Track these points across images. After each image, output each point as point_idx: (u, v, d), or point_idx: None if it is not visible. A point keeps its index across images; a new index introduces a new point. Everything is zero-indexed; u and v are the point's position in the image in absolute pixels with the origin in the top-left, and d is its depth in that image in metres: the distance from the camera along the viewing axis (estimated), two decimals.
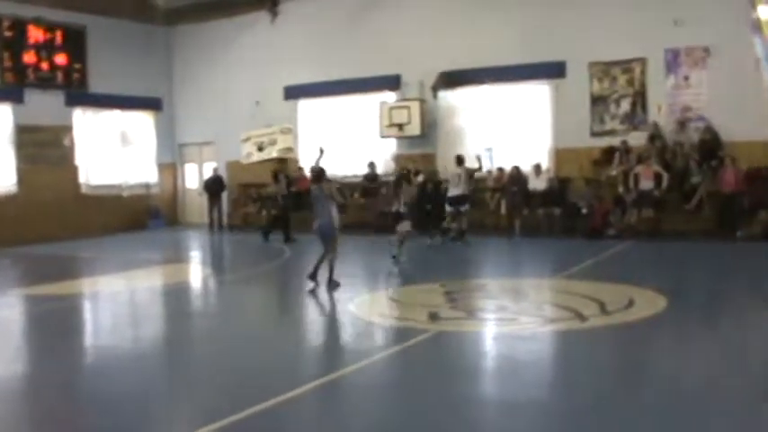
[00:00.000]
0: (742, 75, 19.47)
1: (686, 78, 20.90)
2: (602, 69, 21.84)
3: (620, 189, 20.54)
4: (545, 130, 22.63)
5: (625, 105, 21.74)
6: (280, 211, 22.34)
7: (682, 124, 20.73)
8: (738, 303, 11.77)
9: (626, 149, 20.99)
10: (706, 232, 19.14)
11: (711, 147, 20.02)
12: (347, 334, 10.58)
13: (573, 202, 21.17)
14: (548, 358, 8.97)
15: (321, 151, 14.05)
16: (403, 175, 17.49)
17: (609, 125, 21.87)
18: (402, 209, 16.38)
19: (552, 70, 22.27)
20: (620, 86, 21.75)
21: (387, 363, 8.60)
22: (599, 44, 21.49)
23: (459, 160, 19.98)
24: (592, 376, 7.88)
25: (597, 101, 21.96)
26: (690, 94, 20.85)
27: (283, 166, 23.76)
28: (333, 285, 13.14)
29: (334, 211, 13.26)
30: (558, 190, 21.67)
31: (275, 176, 22.56)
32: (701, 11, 19.99)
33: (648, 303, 11.15)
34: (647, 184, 20.04)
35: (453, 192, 19.68)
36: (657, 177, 19.99)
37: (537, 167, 21.94)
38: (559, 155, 22.35)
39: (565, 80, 22.28)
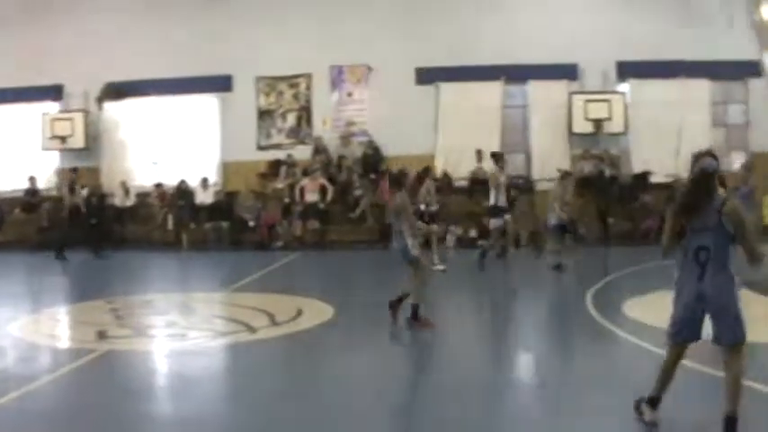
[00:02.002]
0: (400, 92, 20.56)
1: (350, 94, 21.68)
2: (269, 84, 22.05)
3: (287, 201, 20.77)
4: (213, 143, 22.37)
5: (291, 120, 22.10)
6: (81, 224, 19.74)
7: (346, 139, 21.43)
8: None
9: (292, 163, 21.32)
10: (369, 242, 19.87)
11: (373, 160, 20.88)
12: (9, 358, 9.64)
13: (240, 216, 21.12)
14: (219, 372, 8.76)
15: None
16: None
17: (275, 139, 22.12)
18: None
19: (219, 84, 22.09)
20: (286, 101, 22.07)
21: (54, 386, 7.93)
22: (266, 59, 21.66)
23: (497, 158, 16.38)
24: (263, 387, 7.79)
25: (264, 115, 22.14)
26: (353, 110, 21.66)
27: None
28: None
29: None
30: (226, 203, 21.54)
31: (71, 187, 19.88)
32: (364, 30, 20.83)
33: (316, 313, 11.28)
34: (312, 196, 20.50)
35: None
36: (323, 190, 20.51)
37: (204, 181, 21.66)
38: (227, 168, 22.21)
39: (232, 94, 22.20)
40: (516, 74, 21.24)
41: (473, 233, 19.60)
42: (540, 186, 20.20)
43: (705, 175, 5.53)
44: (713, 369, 6.44)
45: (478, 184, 20.18)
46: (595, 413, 6.63)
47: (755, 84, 21.64)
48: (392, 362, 8.77)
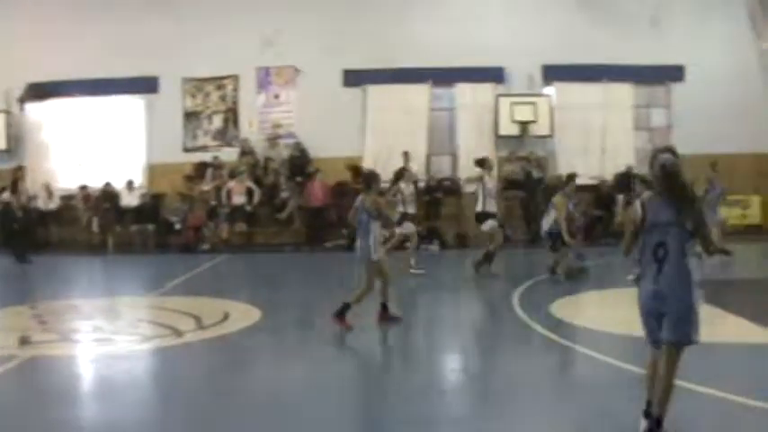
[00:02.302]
0: (328, 95, 20.57)
1: (277, 96, 21.60)
2: (196, 85, 21.84)
3: (213, 204, 20.59)
4: (138, 145, 22.03)
5: (218, 121, 21.92)
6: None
7: (272, 141, 21.33)
8: (329, 308, 12.15)
9: (218, 165, 21.14)
10: (297, 244, 19.81)
11: (300, 163, 20.83)
12: None
13: (166, 218, 20.86)
14: (145, 376, 8.62)
15: None
16: None
17: (202, 141, 21.93)
18: None
19: (145, 85, 21.78)
20: (212, 103, 21.89)
21: None
22: (192, 60, 21.42)
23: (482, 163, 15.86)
24: (190, 391, 7.71)
25: (190, 116, 21.93)
26: (280, 112, 21.57)
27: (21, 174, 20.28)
28: None
29: None
30: (152, 206, 21.22)
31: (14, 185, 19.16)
32: (292, 32, 20.77)
33: (244, 315, 11.19)
34: (239, 198, 20.35)
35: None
36: (249, 192, 20.39)
37: (130, 183, 21.34)
38: (153, 170, 21.89)
39: (158, 95, 21.90)
40: (443, 77, 21.41)
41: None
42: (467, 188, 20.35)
43: (666, 170, 5.55)
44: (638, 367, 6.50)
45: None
46: (523, 414, 6.74)
47: (677, 88, 22.21)
48: (319, 365, 8.71)
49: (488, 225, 14.68)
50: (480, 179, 14.78)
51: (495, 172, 14.96)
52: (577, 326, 10.37)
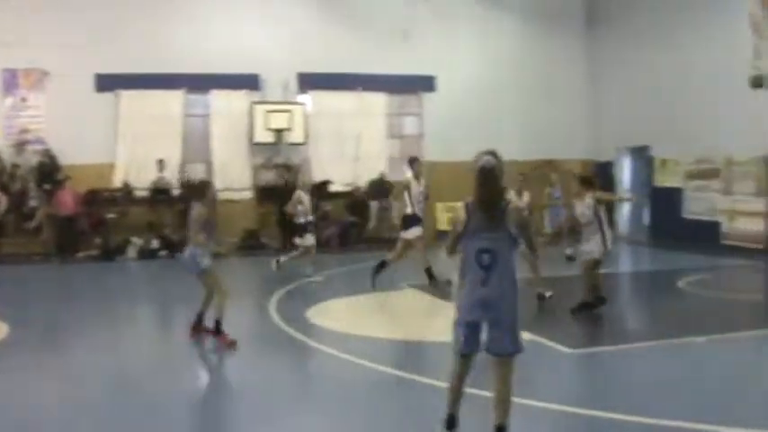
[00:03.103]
0: (79, 99, 19.98)
1: (24, 100, 20.67)
2: None
3: None
4: None
5: None
6: None
7: (20, 146, 20.42)
8: (81, 322, 11.87)
9: None
10: (46, 254, 19.14)
11: (50, 169, 20.08)
12: None
13: None
14: None
15: None
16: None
17: None
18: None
19: None
20: None
21: None
22: None
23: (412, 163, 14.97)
24: None
25: None
26: (28, 116, 20.65)
27: None
28: None
29: None
30: None
31: None
32: (41, 33, 19.93)
33: None
34: None
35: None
36: None
37: None
38: None
39: None
40: (198, 83, 21.23)
41: (155, 244, 19.40)
42: (223, 196, 20.35)
43: (485, 172, 5.50)
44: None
45: (160, 193, 20.08)
46: (284, 421, 6.87)
47: (429, 97, 23.26)
48: (68, 382, 8.41)
49: (412, 233, 13.99)
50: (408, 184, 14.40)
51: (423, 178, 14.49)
52: (332, 330, 10.61)
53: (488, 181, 5.51)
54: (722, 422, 6.31)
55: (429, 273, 13.80)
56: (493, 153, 5.60)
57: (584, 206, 11.05)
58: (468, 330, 5.53)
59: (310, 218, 16.01)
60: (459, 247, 5.64)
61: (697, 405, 6.92)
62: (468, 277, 5.52)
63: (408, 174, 14.70)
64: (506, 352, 5.51)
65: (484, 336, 5.55)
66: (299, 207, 15.71)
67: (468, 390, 5.83)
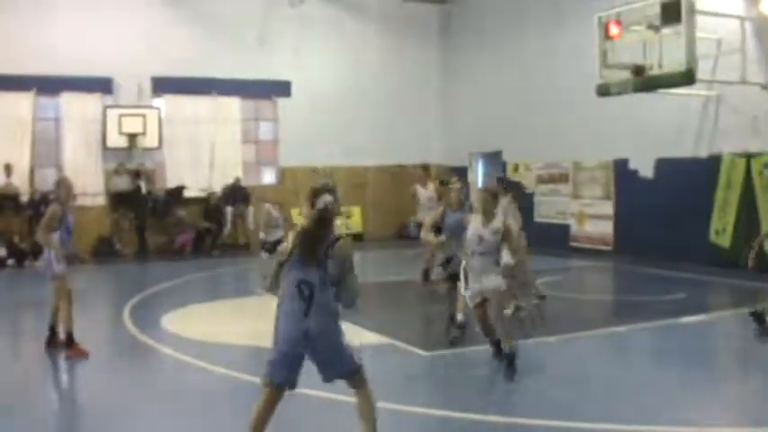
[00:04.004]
0: None
1: None
2: None
3: None
4: None
5: None
6: None
7: None
8: None
9: None
10: None
11: None
12: None
13: None
14: None
15: None
16: None
17: None
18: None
19: None
20: None
21: None
22: None
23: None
24: None
25: None
26: None
27: None
28: None
29: None
30: None
31: None
32: None
33: None
34: None
35: None
36: None
37: None
38: None
39: None
40: (49, 85, 20.52)
41: (2, 252, 18.68)
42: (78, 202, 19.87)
43: (326, 212, 5.45)
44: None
45: (7, 200, 19.41)
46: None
47: (284, 102, 23.39)
48: None
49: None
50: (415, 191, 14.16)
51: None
52: (187, 337, 10.55)
53: (324, 222, 5.51)
54: (568, 418, 6.80)
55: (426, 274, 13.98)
56: (329, 189, 5.59)
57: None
58: (284, 361, 5.48)
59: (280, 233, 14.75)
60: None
61: (542, 403, 7.44)
62: (287, 307, 5.46)
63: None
64: (342, 375, 5.61)
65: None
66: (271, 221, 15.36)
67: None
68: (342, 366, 5.52)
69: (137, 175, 21.05)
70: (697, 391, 7.96)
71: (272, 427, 5.51)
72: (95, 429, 7.09)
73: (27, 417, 7.35)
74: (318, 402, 7.02)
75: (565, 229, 20.48)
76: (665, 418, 6.81)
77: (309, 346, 5.39)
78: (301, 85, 23.34)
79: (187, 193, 21.79)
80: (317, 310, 5.36)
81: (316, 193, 5.54)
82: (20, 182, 19.89)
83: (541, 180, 21.46)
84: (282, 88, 23.37)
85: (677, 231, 17.04)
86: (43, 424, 7.25)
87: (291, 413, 6.25)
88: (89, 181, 20.60)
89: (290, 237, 5.55)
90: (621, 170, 19.01)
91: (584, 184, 20.04)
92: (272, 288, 5.61)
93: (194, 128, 22.22)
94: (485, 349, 8.81)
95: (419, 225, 13.41)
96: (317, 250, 5.40)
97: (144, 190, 20.95)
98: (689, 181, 16.93)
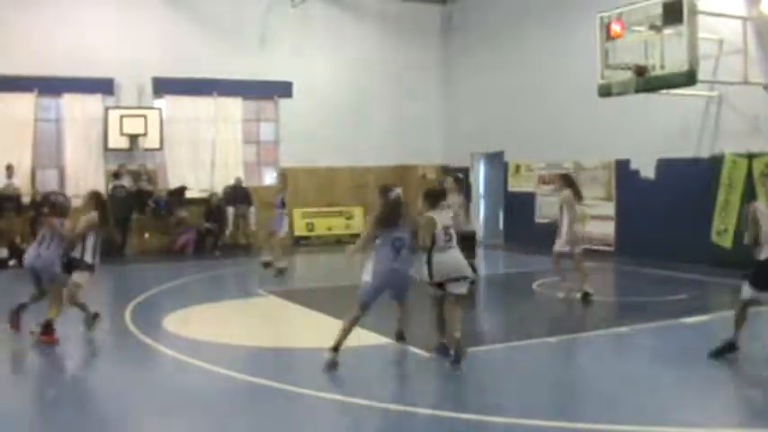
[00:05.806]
0: None
1: None
2: None
3: None
4: None
5: None
6: None
7: None
8: None
9: None
10: None
11: None
12: None
13: None
14: None
15: None
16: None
17: None
18: None
19: None
20: None
21: None
22: None
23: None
24: None
25: None
26: None
27: None
28: None
29: None
30: None
31: None
32: None
33: None
34: None
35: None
36: None
37: None
38: None
39: None
40: (50, 86, 20.53)
41: (3, 253, 18.65)
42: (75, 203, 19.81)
43: (398, 199, 9.25)
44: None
45: (8, 201, 19.36)
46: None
47: (285, 103, 23.39)
48: None
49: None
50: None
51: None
52: (189, 338, 10.55)
53: (398, 206, 9.00)
54: (568, 418, 6.81)
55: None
56: (390, 188, 9.67)
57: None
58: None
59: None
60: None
61: (542, 404, 7.46)
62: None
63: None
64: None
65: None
66: None
67: None
68: (408, 291, 8.91)
69: (138, 175, 21.05)
70: (698, 392, 7.96)
71: (272, 427, 5.51)
72: (96, 430, 7.06)
73: (27, 417, 7.36)
74: (318, 402, 7.01)
75: None
76: (666, 419, 6.80)
77: (394, 278, 8.50)
78: (303, 85, 23.35)
79: (188, 194, 21.80)
80: (401, 257, 8.48)
81: (386, 189, 9.48)
82: (21, 183, 19.89)
83: (543, 181, 21.43)
84: (284, 89, 23.38)
85: (679, 232, 17.03)
86: (43, 424, 7.25)
87: (292, 413, 6.23)
88: (90, 182, 20.54)
89: (367, 221, 9.70)
90: (623, 171, 19.02)
91: (586, 185, 19.95)
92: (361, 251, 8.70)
93: (195, 128, 22.26)
94: (485, 349, 8.81)
95: None
96: (399, 220, 8.60)
97: (145, 190, 20.99)
98: (690, 181, 16.93)
